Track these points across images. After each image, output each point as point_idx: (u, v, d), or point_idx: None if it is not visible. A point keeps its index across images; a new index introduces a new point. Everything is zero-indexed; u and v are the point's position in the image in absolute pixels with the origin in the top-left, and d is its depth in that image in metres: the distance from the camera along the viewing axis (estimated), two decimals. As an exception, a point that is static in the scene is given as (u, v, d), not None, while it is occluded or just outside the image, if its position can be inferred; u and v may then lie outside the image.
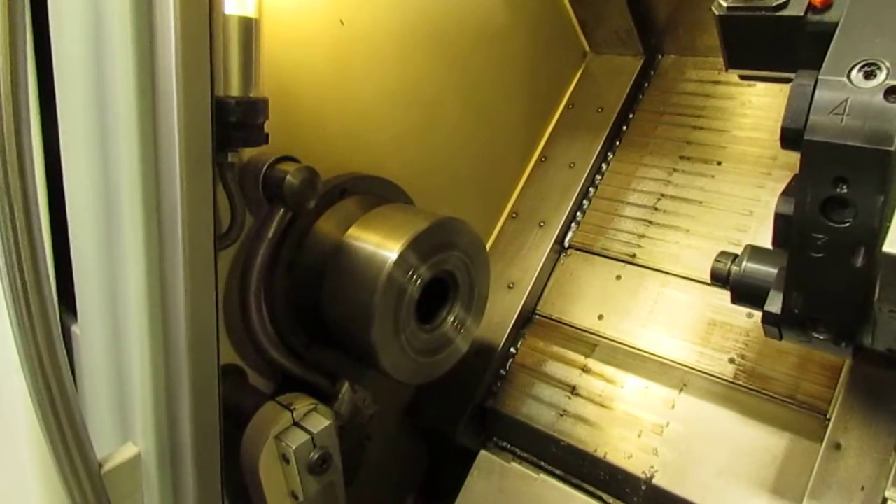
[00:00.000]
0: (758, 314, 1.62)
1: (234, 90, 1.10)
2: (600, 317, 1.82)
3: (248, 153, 1.28)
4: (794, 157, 1.88)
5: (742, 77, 1.33)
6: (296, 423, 1.20)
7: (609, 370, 1.76)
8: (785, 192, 1.16)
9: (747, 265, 1.39)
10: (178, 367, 0.93)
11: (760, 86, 1.96)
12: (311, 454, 1.18)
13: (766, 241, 1.76)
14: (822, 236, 1.11)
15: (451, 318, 1.47)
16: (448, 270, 1.41)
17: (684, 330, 1.70)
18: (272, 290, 1.37)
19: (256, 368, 1.42)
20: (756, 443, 1.54)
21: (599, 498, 1.68)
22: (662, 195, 1.93)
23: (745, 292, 1.39)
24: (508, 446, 1.82)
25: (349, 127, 1.51)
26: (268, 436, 1.17)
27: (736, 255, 1.43)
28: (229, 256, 1.29)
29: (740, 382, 1.58)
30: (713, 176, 1.90)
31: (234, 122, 1.08)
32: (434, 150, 1.75)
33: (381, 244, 1.31)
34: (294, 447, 1.15)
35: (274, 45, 1.26)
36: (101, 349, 1.01)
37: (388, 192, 1.56)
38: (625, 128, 2.07)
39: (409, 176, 1.62)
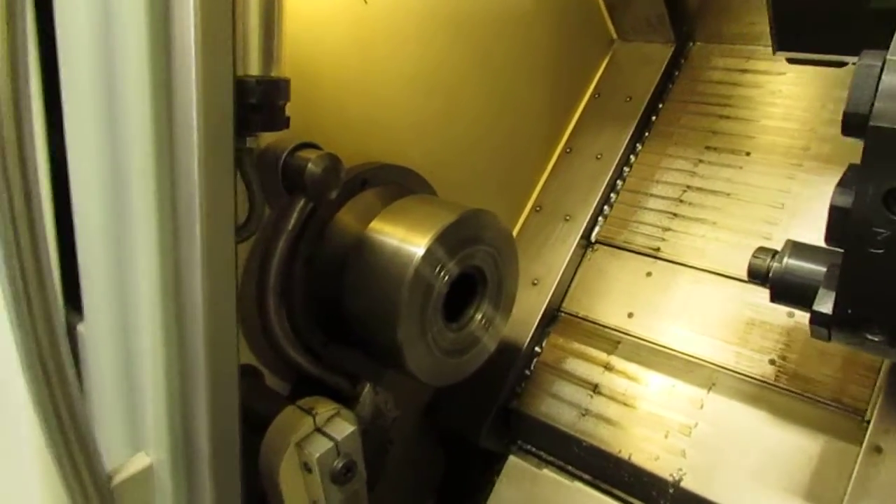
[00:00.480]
0: (800, 313, 1.55)
1: (254, 69, 1.01)
2: (630, 315, 1.74)
3: (265, 139, 1.20)
4: (826, 148, 1.82)
5: (790, 60, 1.25)
6: (318, 430, 1.12)
7: (633, 368, 1.68)
8: (841, 184, 1.07)
9: (789, 261, 1.30)
10: (194, 369, 0.85)
11: (790, 74, 1.87)
12: (335, 462, 1.10)
13: (798, 234, 1.68)
14: (883, 231, 1.03)
15: (478, 316, 1.39)
16: (476, 265, 1.33)
17: (721, 329, 1.61)
18: (290, 286, 1.29)
19: (273, 369, 1.34)
20: (790, 445, 1.46)
21: (623, 501, 1.60)
22: (688, 187, 1.85)
23: (787, 290, 1.30)
24: (534, 449, 1.74)
25: (369, 113, 1.43)
26: (288, 443, 1.09)
27: (776, 251, 1.35)
28: (246, 250, 1.21)
29: (782, 385, 1.49)
30: (741, 167, 1.82)
31: (254, 103, 1.00)
32: (455, 140, 1.66)
33: (406, 238, 1.23)
34: (317, 455, 1.07)
35: (292, 22, 1.17)
36: (110, 350, 0.93)
37: (411, 182, 1.48)
38: (654, 118, 1.98)
39: (429, 166, 1.53)
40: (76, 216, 0.94)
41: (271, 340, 1.21)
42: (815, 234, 1.66)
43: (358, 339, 1.34)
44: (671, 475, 1.52)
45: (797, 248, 1.31)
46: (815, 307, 1.13)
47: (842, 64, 1.15)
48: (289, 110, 1.13)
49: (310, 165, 1.13)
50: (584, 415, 1.66)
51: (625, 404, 1.65)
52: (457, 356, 1.35)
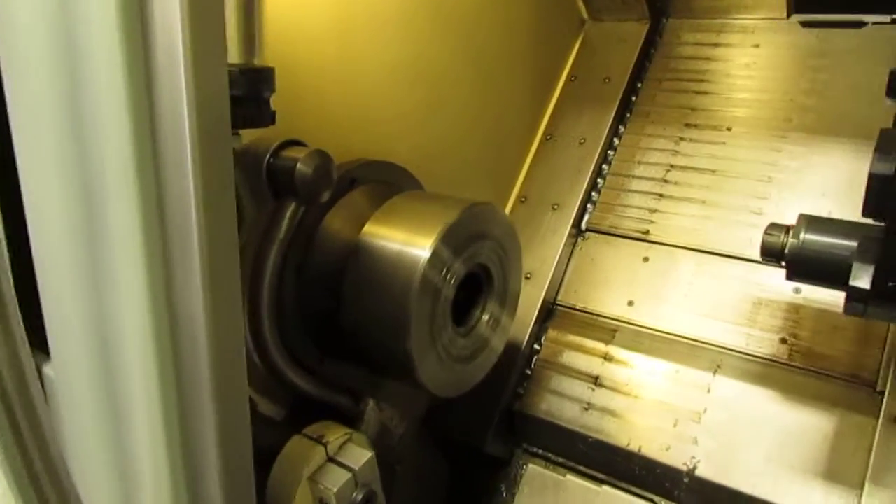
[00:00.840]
0: (807, 289, 1.51)
1: (234, 56, 0.88)
2: (630, 303, 1.67)
3: (246, 137, 1.07)
4: (809, 118, 1.80)
5: (805, 24, 1.19)
6: (331, 459, 1.00)
7: (633, 356, 1.62)
8: (880, 150, 1.02)
9: (806, 236, 1.25)
10: (198, 412, 0.72)
11: (765, 45, 1.85)
12: (354, 494, 0.98)
13: (790, 208, 1.66)
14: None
15: (485, 317, 1.29)
16: (482, 263, 1.23)
17: (728, 311, 1.56)
18: (280, 299, 1.16)
19: (264, 393, 1.21)
20: (804, 423, 1.42)
21: (637, 495, 1.54)
22: (671, 166, 1.80)
23: (806, 267, 1.25)
24: (540, 451, 1.66)
25: (352, 105, 1.31)
26: (300, 476, 0.97)
27: (789, 227, 1.30)
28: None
29: (797, 363, 1.45)
30: (724, 143, 1.78)
31: (238, 96, 0.87)
32: (441, 131, 1.56)
33: (408, 241, 1.12)
34: (335, 489, 0.95)
35: (268, 6, 1.04)
36: (87, 395, 0.78)
37: (398, 178, 1.37)
38: (634, 98, 1.92)
39: (415, 160, 1.43)
40: (33, 237, 0.78)
41: (268, 362, 1.09)
42: (807, 206, 1.63)
43: (357, 353, 1.23)
44: (685, 464, 1.47)
45: (813, 222, 1.27)
46: (853, 282, 1.07)
47: (860, 24, 1.10)
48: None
49: (299, 166, 1.01)
50: (587, 409, 1.59)
51: (629, 394, 1.59)
52: (467, 362, 1.25)
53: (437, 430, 1.67)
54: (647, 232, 1.74)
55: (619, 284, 1.70)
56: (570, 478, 1.27)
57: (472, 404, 1.62)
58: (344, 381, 1.29)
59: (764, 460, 1.42)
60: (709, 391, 1.53)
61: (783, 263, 1.28)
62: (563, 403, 1.62)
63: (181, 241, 0.68)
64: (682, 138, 1.83)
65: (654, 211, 1.77)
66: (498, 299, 1.30)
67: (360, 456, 1.00)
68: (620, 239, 1.75)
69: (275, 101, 1.10)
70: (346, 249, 1.18)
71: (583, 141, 1.85)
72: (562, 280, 1.77)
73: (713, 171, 1.75)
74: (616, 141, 1.88)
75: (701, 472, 1.45)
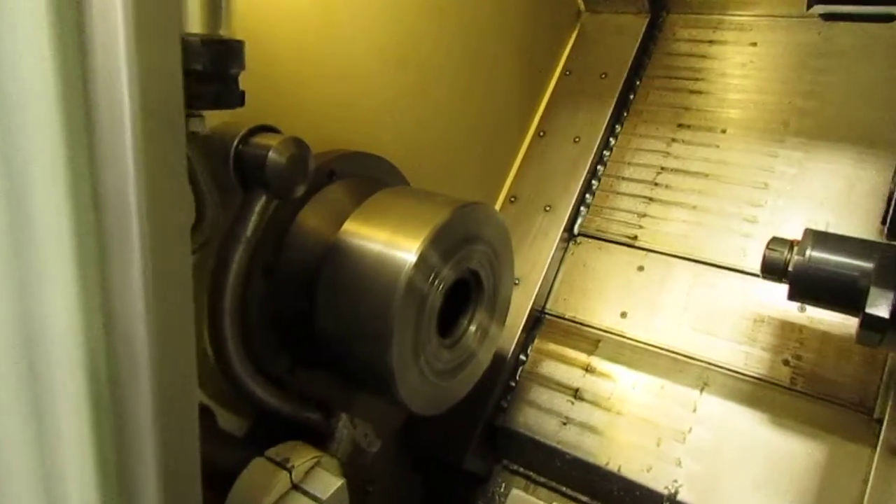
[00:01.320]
0: (812, 308, 1.43)
1: (196, 25, 0.76)
2: (623, 314, 1.58)
3: (210, 122, 0.94)
4: (808, 123, 1.70)
5: (825, 16, 1.10)
6: (296, 487, 0.88)
7: (616, 369, 1.52)
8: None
9: (813, 254, 1.17)
10: (135, 426, 0.60)
11: (762, 44, 1.76)
12: (322, 530, 0.87)
13: (786, 217, 1.56)
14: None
15: (473, 327, 1.18)
16: (472, 269, 1.12)
17: (726, 327, 1.47)
18: (245, 302, 1.04)
19: (225, 404, 1.09)
20: (796, 449, 1.33)
21: None
22: (662, 168, 1.71)
23: (811, 287, 1.17)
24: (521, 469, 1.56)
25: (332, 90, 1.19)
26: (259, 508, 0.85)
27: (793, 242, 1.21)
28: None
29: (798, 388, 1.37)
30: (718, 145, 1.69)
31: (199, 71, 0.74)
32: (428, 121, 1.44)
33: (392, 242, 1.01)
34: (300, 525, 0.84)
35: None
36: (10, 401, 0.66)
37: (383, 172, 1.25)
38: (632, 96, 1.82)
39: (400, 152, 1.31)
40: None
41: (229, 374, 0.96)
42: (804, 215, 1.54)
43: (331, 365, 1.11)
44: (666, 487, 1.38)
45: (822, 238, 1.18)
46: (869, 310, 0.99)
47: (888, 17, 1.01)
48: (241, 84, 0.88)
49: (271, 154, 0.89)
50: (566, 424, 1.49)
51: (610, 410, 1.50)
52: (450, 377, 1.14)
53: (413, 444, 1.56)
54: (636, 237, 1.65)
55: (612, 294, 1.61)
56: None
57: (452, 418, 1.49)
58: (315, 394, 1.17)
59: (752, 487, 1.33)
60: (695, 409, 1.44)
61: (785, 281, 1.19)
62: (545, 418, 1.53)
63: (120, 238, 0.56)
64: (674, 139, 1.74)
65: (642, 215, 1.68)
66: (487, 308, 1.20)
67: (328, 484, 0.89)
68: (615, 245, 1.66)
69: (246, 82, 0.98)
70: (321, 250, 1.07)
71: (577, 139, 1.75)
72: (551, 287, 1.67)
73: (706, 175, 1.67)
74: (612, 140, 1.78)
75: (683, 496, 1.36)
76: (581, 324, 1.61)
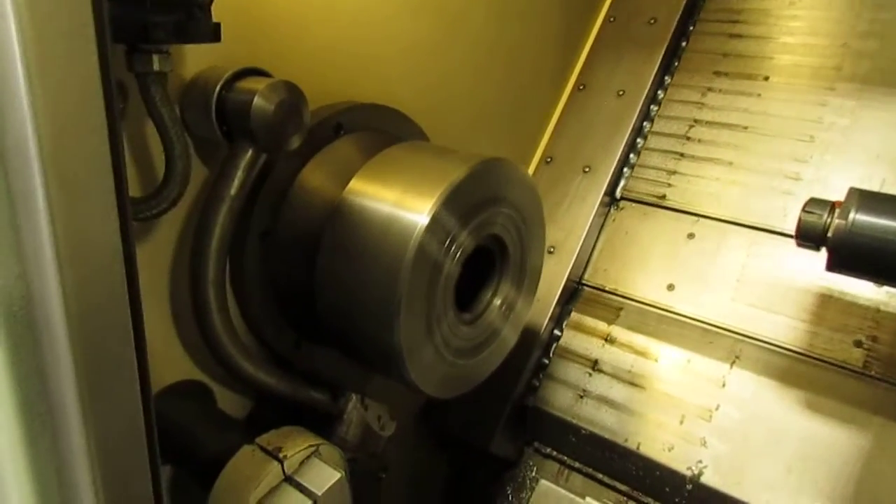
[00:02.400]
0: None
1: (157, -60, 0.64)
2: (670, 287, 1.42)
3: (193, 65, 0.83)
4: (864, 67, 1.45)
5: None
6: (288, 479, 0.78)
7: (661, 348, 1.38)
8: None
9: (857, 217, 0.99)
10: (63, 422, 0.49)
11: (809, -18, 1.55)
12: (316, 529, 0.76)
13: (834, 174, 1.36)
14: None
15: (497, 301, 1.05)
16: (495, 234, 0.99)
17: (789, 304, 1.30)
18: (242, 272, 0.94)
19: (226, 383, 1.00)
20: (835, 429, 1.19)
21: (634, 499, 1.33)
22: (695, 121, 1.53)
23: (854, 256, 0.99)
24: (554, 453, 1.44)
25: (342, 35, 1.06)
26: (246, 501, 0.75)
27: (834, 204, 1.03)
28: (176, 224, 0.85)
29: (873, 373, 1.20)
30: (759, 95, 1.51)
31: (157, -6, 0.62)
32: (451, 73, 1.30)
33: (402, 202, 0.88)
34: (288, 524, 0.74)
35: None
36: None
37: (397, 126, 1.12)
38: (684, 43, 1.63)
39: (419, 106, 1.18)
40: None
41: (215, 351, 0.86)
42: (856, 172, 1.35)
43: (336, 340, 1.00)
44: (689, 468, 1.26)
45: (868, 199, 1.00)
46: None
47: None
48: (226, 24, 0.76)
49: (257, 100, 0.77)
50: (603, 406, 1.36)
51: (631, 384, 1.37)
52: (471, 356, 1.02)
53: (435, 425, 1.45)
54: (664, 196, 1.50)
55: (658, 264, 1.45)
56: (589, 501, 1.06)
57: (478, 398, 1.38)
58: (323, 371, 1.07)
59: (784, 471, 1.20)
60: (724, 385, 1.32)
61: (823, 249, 1.03)
62: (580, 399, 1.39)
63: (24, 200, 0.45)
64: (709, 89, 1.56)
65: (672, 173, 1.51)
66: (513, 279, 1.06)
67: (325, 477, 0.78)
68: (661, 210, 1.49)
69: (241, 24, 0.87)
70: (325, 212, 0.95)
71: (621, 93, 1.57)
72: (590, 256, 1.52)
73: (745, 128, 1.49)
74: (660, 94, 1.60)
75: (707, 479, 1.24)
76: (623, 296, 1.46)
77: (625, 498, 1.34)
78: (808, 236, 1.01)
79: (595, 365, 1.41)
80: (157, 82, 0.69)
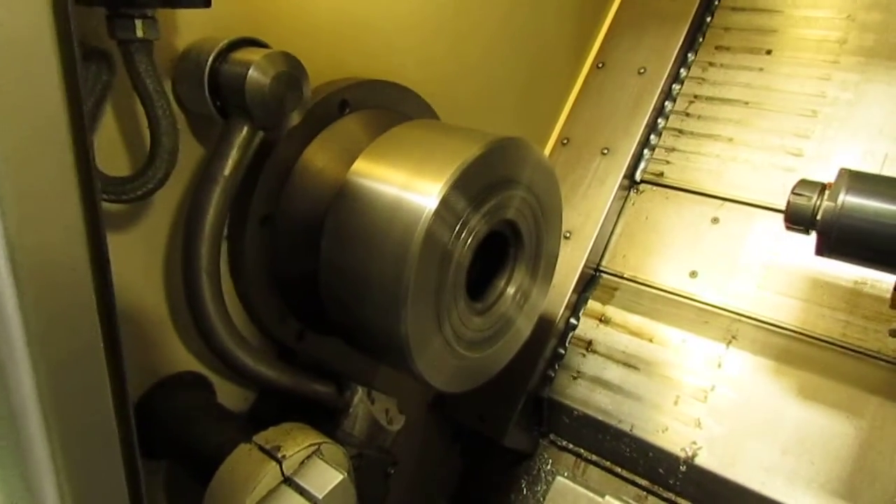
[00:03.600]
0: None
1: None
2: (693, 274, 1.36)
3: (186, 35, 0.77)
4: (870, 40, 1.35)
5: None
6: (287, 480, 0.73)
7: (682, 336, 1.32)
8: None
9: (847, 199, 0.93)
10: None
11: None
12: (316, 534, 0.71)
13: (837, 149, 1.29)
14: None
15: (510, 290, 0.99)
16: (509, 219, 0.93)
17: (818, 292, 1.23)
18: (242, 259, 0.89)
19: (227, 375, 0.95)
20: (833, 411, 1.15)
21: (631, 482, 1.31)
22: (696, 97, 1.47)
23: (844, 241, 0.93)
24: (571, 446, 1.39)
25: (347, 7, 0.99)
26: None
27: (823, 185, 0.97)
28: (170, 207, 0.80)
29: (912, 364, 1.13)
30: (761, 69, 1.44)
31: (138, -47, 0.56)
32: (462, 48, 1.23)
33: (409, 184, 0.82)
34: (287, 530, 0.69)
35: None
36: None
37: (406, 104, 1.06)
38: (709, 18, 1.55)
39: (428, 84, 1.11)
40: None
41: (210, 342, 0.81)
42: (859, 148, 1.28)
43: (341, 330, 0.95)
44: (683, 450, 1.23)
45: (859, 180, 0.94)
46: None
47: None
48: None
49: (252, 72, 0.71)
50: (619, 396, 1.31)
51: (625, 364, 1.34)
52: (483, 348, 0.96)
53: (446, 417, 1.40)
54: (662, 174, 1.43)
55: (680, 250, 1.38)
56: (609, 499, 1.01)
57: (492, 389, 1.33)
58: (329, 363, 1.02)
59: (780, 453, 1.16)
60: (720, 365, 1.27)
61: (812, 234, 0.96)
62: (597, 390, 1.34)
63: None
64: (710, 63, 1.49)
65: (671, 150, 1.44)
66: (528, 267, 1.00)
67: (327, 478, 0.73)
68: (683, 194, 1.42)
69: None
70: (329, 194, 0.89)
71: (642, 70, 1.50)
72: (608, 241, 1.45)
73: (745, 104, 1.43)
74: (683, 72, 1.52)
75: (701, 460, 1.21)
76: (643, 284, 1.40)
77: (645, 493, 1.30)
78: (796, 219, 0.96)
79: (631, 362, 1.35)
80: (142, 51, 0.63)
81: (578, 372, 1.36)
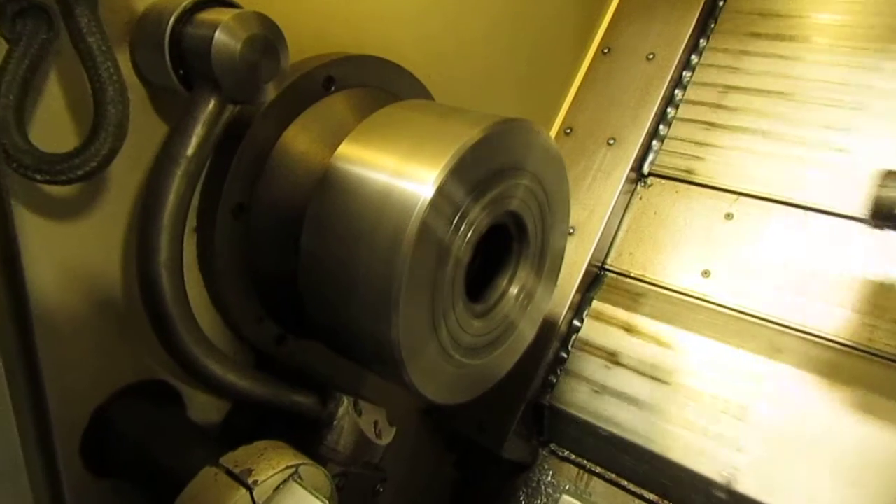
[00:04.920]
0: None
1: None
2: (705, 273, 1.26)
3: (144, -4, 0.67)
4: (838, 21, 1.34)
5: None
6: (259, 510, 0.63)
7: (693, 340, 1.22)
8: None
9: None
10: None
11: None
12: (291, 574, 0.61)
13: (886, 146, 1.17)
14: None
15: (514, 290, 0.89)
16: (513, 211, 0.83)
17: (838, 291, 1.15)
18: (212, 254, 0.79)
19: (195, 383, 0.85)
20: (886, 433, 1.04)
21: (639, 496, 1.23)
22: (728, 88, 1.37)
23: None
24: (573, 456, 1.30)
25: (332, -29, 0.89)
26: (205, 537, 0.60)
27: None
28: (129, 192, 0.70)
29: (947, 373, 1.04)
30: (800, 58, 1.35)
31: None
32: (459, 25, 1.13)
33: (401, 170, 0.72)
34: (256, 570, 0.59)
35: None
36: None
37: (398, 83, 0.96)
38: (722, 2, 1.46)
39: (423, 62, 1.02)
40: None
41: (171, 348, 0.71)
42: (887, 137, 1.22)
43: (326, 334, 0.85)
44: (721, 475, 1.13)
45: None
46: None
47: None
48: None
49: (219, 35, 0.61)
50: (625, 403, 1.22)
51: (654, 378, 1.22)
52: (482, 355, 0.87)
53: (440, 426, 1.31)
54: (690, 171, 1.34)
55: (692, 247, 1.29)
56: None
57: (489, 395, 1.24)
58: (309, 369, 0.92)
59: (829, 479, 1.06)
60: (761, 381, 1.15)
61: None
62: (601, 397, 1.25)
63: None
64: (744, 52, 1.39)
65: (701, 144, 1.35)
66: (533, 264, 0.90)
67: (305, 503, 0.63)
68: (695, 187, 1.33)
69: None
70: (311, 181, 0.79)
71: (651, 56, 1.40)
72: (614, 238, 1.36)
73: (782, 95, 1.33)
74: (695, 59, 1.43)
75: (741, 486, 1.11)
76: (651, 283, 1.31)
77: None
78: (885, 214, 0.86)
79: (639, 368, 1.25)
80: (84, 3, 0.52)
81: (583, 378, 1.27)
